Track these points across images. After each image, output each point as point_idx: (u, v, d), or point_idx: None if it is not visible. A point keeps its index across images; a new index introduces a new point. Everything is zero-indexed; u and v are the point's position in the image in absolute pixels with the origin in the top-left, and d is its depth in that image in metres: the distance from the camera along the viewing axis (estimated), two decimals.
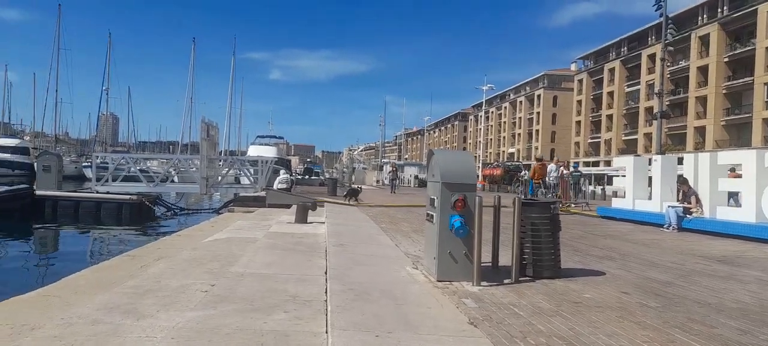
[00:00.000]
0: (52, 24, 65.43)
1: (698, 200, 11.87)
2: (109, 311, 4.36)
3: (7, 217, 16.99)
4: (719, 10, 55.22)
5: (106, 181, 20.70)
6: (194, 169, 22.66)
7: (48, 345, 3.55)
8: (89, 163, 37.95)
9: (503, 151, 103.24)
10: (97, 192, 19.64)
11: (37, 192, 18.82)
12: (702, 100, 56.50)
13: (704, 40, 56.25)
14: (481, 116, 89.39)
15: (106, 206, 18.54)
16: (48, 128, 64.20)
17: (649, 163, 14.76)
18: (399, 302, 4.66)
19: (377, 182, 44.44)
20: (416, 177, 43.81)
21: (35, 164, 28.03)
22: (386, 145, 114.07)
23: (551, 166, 18.81)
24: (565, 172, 17.58)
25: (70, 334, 3.75)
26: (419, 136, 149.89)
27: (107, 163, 24.42)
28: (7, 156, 46.57)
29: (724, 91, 54.49)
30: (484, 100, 61.61)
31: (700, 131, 56.47)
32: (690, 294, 5.37)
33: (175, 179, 25.46)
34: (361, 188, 22.85)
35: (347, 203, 17.59)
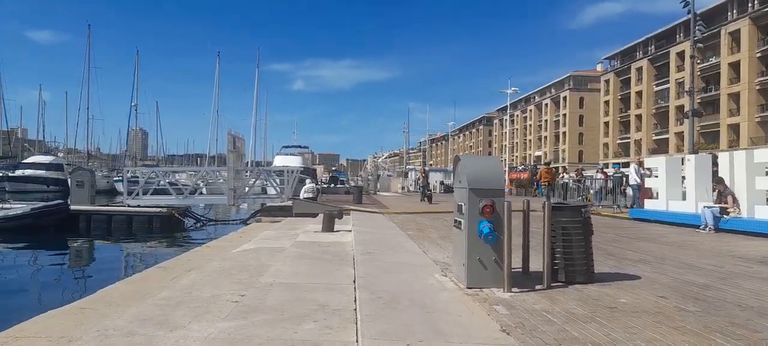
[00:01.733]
0: (82, 44, 67.30)
1: (735, 200, 11.51)
2: (143, 322, 4.41)
3: (43, 231, 17.48)
4: (749, 4, 53.77)
5: (137, 194, 21.11)
6: (222, 180, 22.95)
7: None
8: (120, 178, 38.82)
9: (529, 155, 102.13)
10: (129, 206, 20.05)
11: (72, 207, 19.31)
12: (735, 97, 55.03)
13: (734, 36, 54.82)
14: (506, 120, 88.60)
15: (138, 219, 18.91)
16: (80, 144, 66.11)
17: (682, 163, 14.39)
18: (429, 310, 4.61)
19: (402, 188, 44.31)
20: (442, 183, 43.50)
21: (69, 180, 28.83)
22: (410, 151, 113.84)
23: (633, 167, 18.45)
24: (642, 171, 17.29)
25: None
26: (443, 142, 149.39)
27: (137, 177, 24.94)
28: (42, 173, 48.05)
29: (757, 87, 52.94)
30: (508, 104, 60.91)
31: (734, 129, 54.95)
32: (730, 297, 5.18)
33: (204, 190, 25.87)
34: (434, 190, 27.84)
35: (426, 203, 22.48)
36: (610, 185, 20.57)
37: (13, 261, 13.85)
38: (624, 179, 21.39)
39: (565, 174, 25.43)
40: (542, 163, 47.07)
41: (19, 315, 5.55)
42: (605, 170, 25.74)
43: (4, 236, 16.56)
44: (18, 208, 19.05)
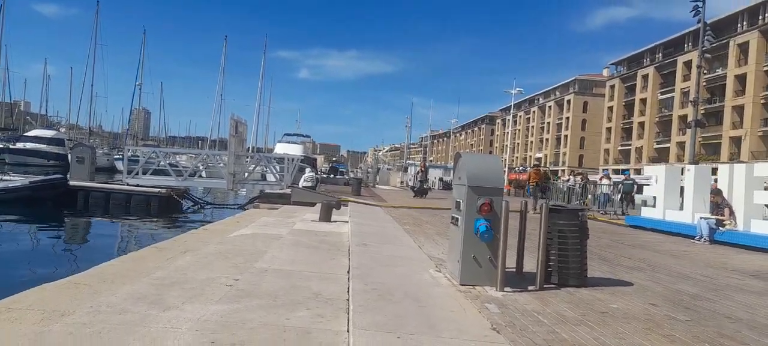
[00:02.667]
0: (89, 19, 67.32)
1: (732, 212, 11.54)
2: (136, 300, 4.44)
3: (41, 205, 17.52)
4: (760, 17, 53.59)
5: (137, 174, 21.14)
6: (222, 164, 23.00)
7: (77, 331, 3.63)
8: (121, 156, 38.83)
9: (530, 156, 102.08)
10: (128, 184, 20.07)
11: (71, 183, 19.33)
12: (739, 110, 54.94)
13: (743, 48, 54.66)
14: (508, 120, 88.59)
15: (136, 198, 18.92)
16: (83, 121, 66.18)
17: (682, 173, 14.41)
18: (421, 304, 4.63)
19: (402, 183, 44.33)
20: (441, 179, 43.56)
21: (69, 155, 28.87)
22: (411, 146, 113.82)
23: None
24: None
25: (99, 322, 3.83)
26: (445, 139, 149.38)
27: (138, 157, 24.97)
28: (43, 147, 48.06)
29: (762, 101, 52.87)
30: (512, 104, 60.93)
31: (736, 142, 54.90)
32: (721, 309, 5.21)
33: (203, 174, 25.88)
34: (430, 188, 27.52)
35: (418, 197, 22.01)
36: (618, 191, 20.17)
37: (9, 233, 13.88)
38: (635, 186, 21.09)
39: (570, 177, 25.35)
40: (531, 165, 48.00)
41: (13, 287, 5.56)
42: (611, 176, 25.55)
43: (2, 208, 16.59)
44: (17, 180, 19.09)
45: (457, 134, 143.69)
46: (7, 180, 19.06)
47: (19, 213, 16.29)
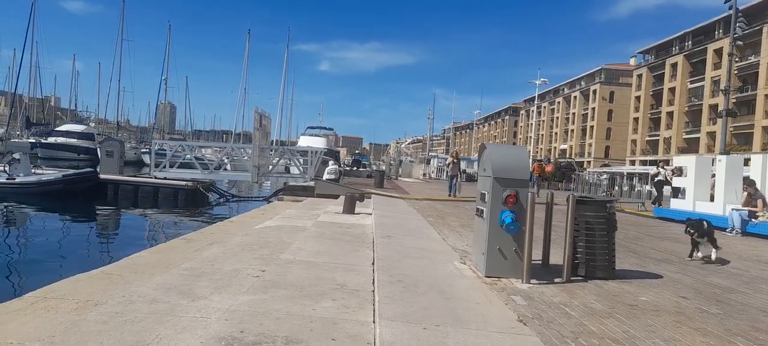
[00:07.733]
0: (115, 15, 68.66)
1: (765, 204, 11.23)
2: (167, 291, 4.53)
3: (72, 198, 17.97)
4: None
5: (164, 167, 21.50)
6: (246, 157, 23.22)
7: (110, 320, 3.72)
8: (148, 150, 39.56)
9: (555, 147, 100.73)
10: (156, 177, 20.44)
11: (101, 176, 19.77)
12: None
13: None
14: (532, 111, 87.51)
15: (164, 191, 19.26)
16: (111, 116, 67.64)
17: (713, 164, 14.06)
18: (447, 296, 4.63)
19: (424, 175, 44.20)
20: (464, 171, 43.26)
21: (99, 149, 29.52)
22: (434, 138, 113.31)
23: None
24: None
25: (131, 311, 3.93)
26: (468, 131, 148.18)
27: (165, 151, 25.38)
28: (73, 141, 49.20)
29: None
30: (536, 95, 60.00)
31: None
32: (754, 302, 5.09)
33: (228, 166, 26.19)
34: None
35: (452, 196, 18.35)
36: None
37: (44, 225, 14.30)
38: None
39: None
40: (535, 159, 49.73)
41: (49, 277, 5.73)
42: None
43: (36, 201, 17.09)
44: (50, 174, 19.62)
45: (480, 126, 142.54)
46: (40, 174, 19.62)
47: (53, 206, 16.75)
